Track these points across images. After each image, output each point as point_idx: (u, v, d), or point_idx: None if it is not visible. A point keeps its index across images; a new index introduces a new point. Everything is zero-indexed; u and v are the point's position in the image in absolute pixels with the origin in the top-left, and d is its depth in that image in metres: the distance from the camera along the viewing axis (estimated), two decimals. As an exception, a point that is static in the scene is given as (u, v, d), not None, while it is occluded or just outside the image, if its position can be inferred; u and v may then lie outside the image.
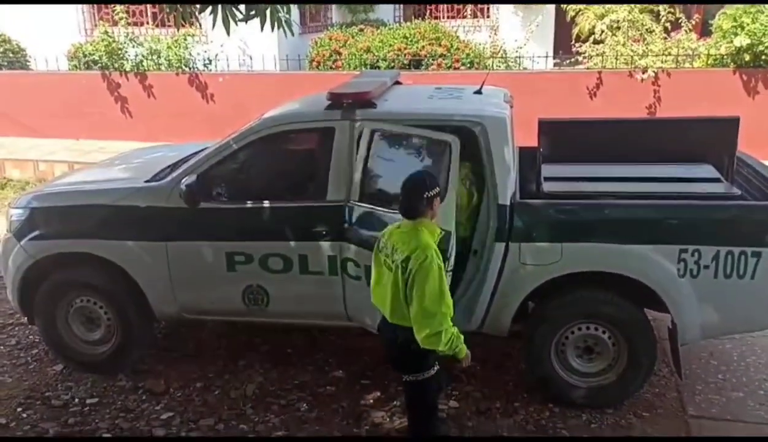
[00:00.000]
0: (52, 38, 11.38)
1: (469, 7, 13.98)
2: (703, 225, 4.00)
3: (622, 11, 10.39)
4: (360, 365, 4.80)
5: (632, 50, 10.02)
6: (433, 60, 10.52)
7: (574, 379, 4.29)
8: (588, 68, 10.13)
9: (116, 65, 10.90)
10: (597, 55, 10.27)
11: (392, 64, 10.34)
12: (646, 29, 10.35)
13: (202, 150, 4.75)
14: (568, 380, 4.29)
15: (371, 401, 4.50)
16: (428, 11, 14.11)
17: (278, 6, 3.93)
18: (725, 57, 9.49)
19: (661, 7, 10.49)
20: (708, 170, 4.70)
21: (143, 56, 10.95)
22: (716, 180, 4.56)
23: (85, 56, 11.22)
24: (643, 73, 9.55)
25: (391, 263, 3.31)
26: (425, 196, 3.28)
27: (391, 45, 10.67)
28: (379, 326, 3.62)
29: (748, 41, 9.05)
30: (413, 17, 13.39)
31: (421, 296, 3.17)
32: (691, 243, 3.94)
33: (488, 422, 4.24)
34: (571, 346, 4.26)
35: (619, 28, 10.39)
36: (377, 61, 10.56)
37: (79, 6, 12.66)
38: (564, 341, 4.25)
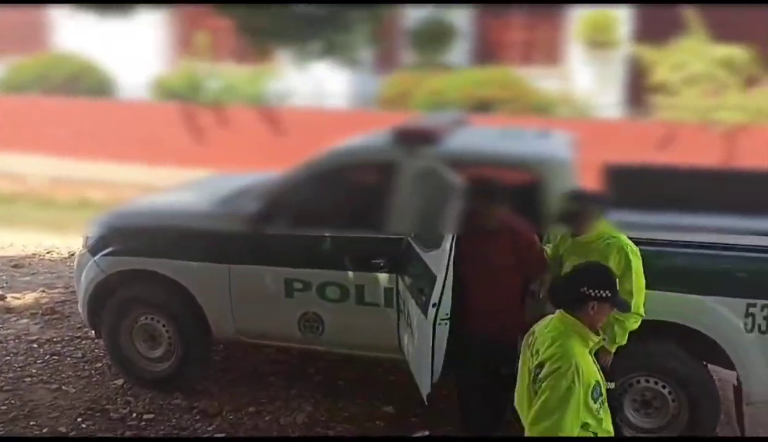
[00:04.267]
0: (137, 69, 11.99)
1: (541, 54, 14.03)
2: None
3: (698, 63, 10.24)
4: (410, 402, 4.73)
5: (708, 104, 9.83)
6: (501, 105, 10.57)
7: (630, 433, 4.15)
8: (661, 119, 9.97)
9: (195, 97, 11.39)
10: (670, 107, 10.12)
11: (461, 107, 10.43)
12: (722, 83, 10.14)
13: (270, 179, 4.90)
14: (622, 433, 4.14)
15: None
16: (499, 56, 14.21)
17: (351, 46, 4.06)
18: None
19: (739, 61, 10.28)
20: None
21: (221, 90, 11.40)
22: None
23: (166, 87, 11.78)
24: (718, 126, 9.34)
25: (530, 366, 2.77)
26: (582, 291, 2.69)
27: (460, 88, 10.78)
28: None
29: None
30: (483, 61, 13.48)
31: (538, 407, 2.61)
32: (761, 298, 3.80)
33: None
34: (628, 398, 4.13)
35: (695, 81, 10.22)
36: (446, 103, 10.67)
37: (164, 39, 13.31)
38: (620, 392, 4.13)
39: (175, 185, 6.29)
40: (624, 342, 3.65)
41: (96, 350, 5.59)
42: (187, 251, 4.68)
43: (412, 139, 4.39)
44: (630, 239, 4.11)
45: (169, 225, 4.84)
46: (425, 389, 3.70)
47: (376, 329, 4.39)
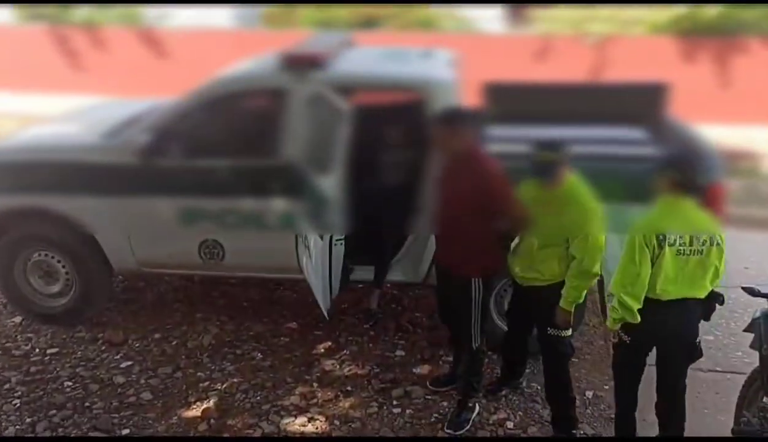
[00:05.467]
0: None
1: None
2: (631, 184, 4.28)
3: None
4: (312, 318, 4.98)
5: (581, 15, 10.30)
6: (387, 20, 10.62)
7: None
8: (538, 32, 10.38)
9: (64, 18, 10.71)
10: (546, 18, 10.53)
11: (347, 23, 10.41)
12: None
13: (158, 107, 4.85)
14: (503, 327, 4.55)
15: (322, 350, 4.75)
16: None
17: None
18: (667, 24, 9.87)
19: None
20: (639, 133, 4.99)
21: (92, 9, 10.77)
22: (646, 142, 4.86)
23: (31, 9, 10.98)
24: (590, 38, 9.86)
25: (700, 248, 3.31)
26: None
27: (345, 5, 10.72)
28: (662, 319, 3.38)
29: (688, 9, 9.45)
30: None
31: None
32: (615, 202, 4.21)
33: (433, 366, 4.54)
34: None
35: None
36: (332, 20, 10.60)
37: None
38: (503, 292, 4.53)
39: (57, 115, 6.06)
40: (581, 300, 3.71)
41: (-13, 290, 5.47)
42: (78, 185, 4.62)
43: (300, 64, 4.46)
44: (513, 153, 4.22)
45: (57, 158, 4.73)
46: (325, 305, 3.95)
47: (276, 251, 4.54)
